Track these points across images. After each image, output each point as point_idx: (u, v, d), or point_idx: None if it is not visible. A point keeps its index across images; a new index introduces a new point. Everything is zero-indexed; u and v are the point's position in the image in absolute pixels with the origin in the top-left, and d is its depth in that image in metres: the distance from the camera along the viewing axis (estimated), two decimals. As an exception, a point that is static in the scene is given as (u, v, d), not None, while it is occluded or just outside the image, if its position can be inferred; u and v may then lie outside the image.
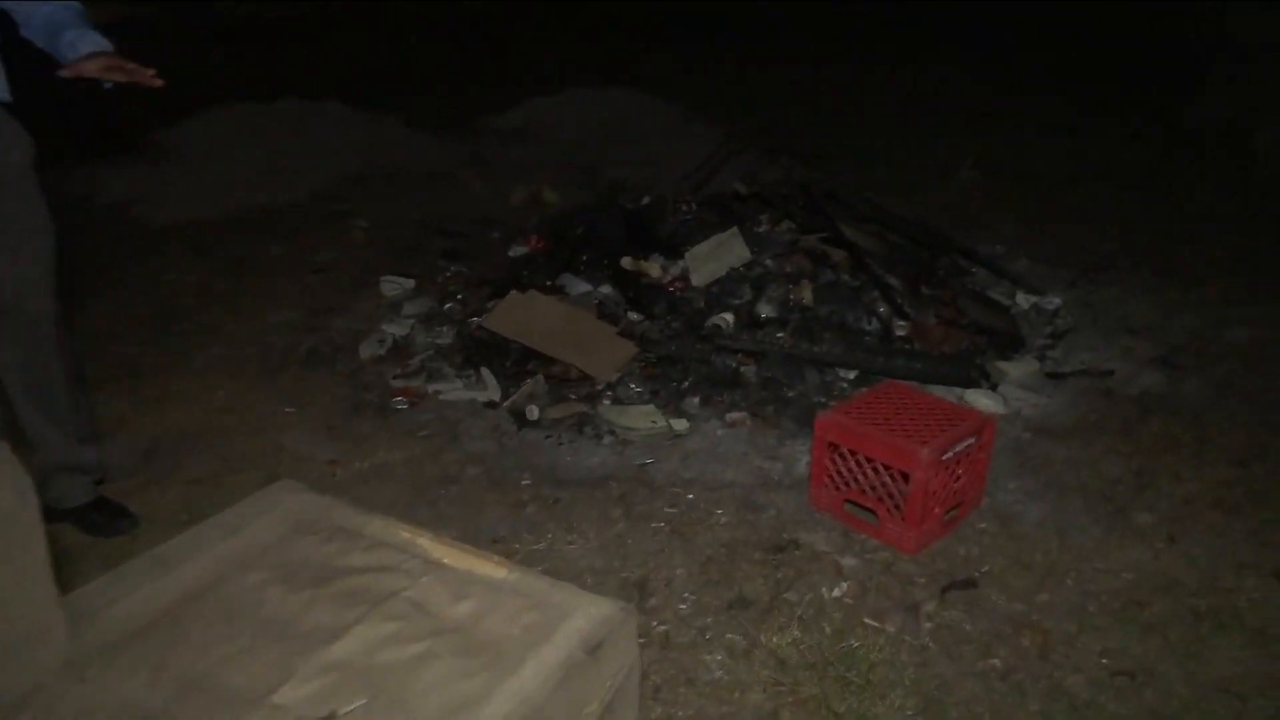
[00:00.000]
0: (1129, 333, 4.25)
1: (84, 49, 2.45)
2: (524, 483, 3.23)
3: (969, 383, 3.73)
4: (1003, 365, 3.91)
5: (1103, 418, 3.57)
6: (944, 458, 2.78)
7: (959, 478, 2.89)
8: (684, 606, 2.63)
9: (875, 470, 2.87)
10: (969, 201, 5.87)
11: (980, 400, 3.66)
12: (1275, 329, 4.26)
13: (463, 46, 11.39)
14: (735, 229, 4.24)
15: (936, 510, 2.84)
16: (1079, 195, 5.96)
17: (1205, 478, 3.22)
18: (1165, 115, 7.36)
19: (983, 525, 2.99)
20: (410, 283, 4.79)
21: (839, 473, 2.96)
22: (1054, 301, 4.48)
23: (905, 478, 2.79)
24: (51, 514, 2.57)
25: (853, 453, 2.90)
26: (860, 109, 7.86)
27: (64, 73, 2.45)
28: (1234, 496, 3.13)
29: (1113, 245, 5.21)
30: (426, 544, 1.81)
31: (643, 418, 3.49)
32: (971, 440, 2.88)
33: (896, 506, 2.84)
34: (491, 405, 3.70)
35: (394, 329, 4.33)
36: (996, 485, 3.17)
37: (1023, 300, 4.50)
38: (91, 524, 2.96)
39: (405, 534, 1.85)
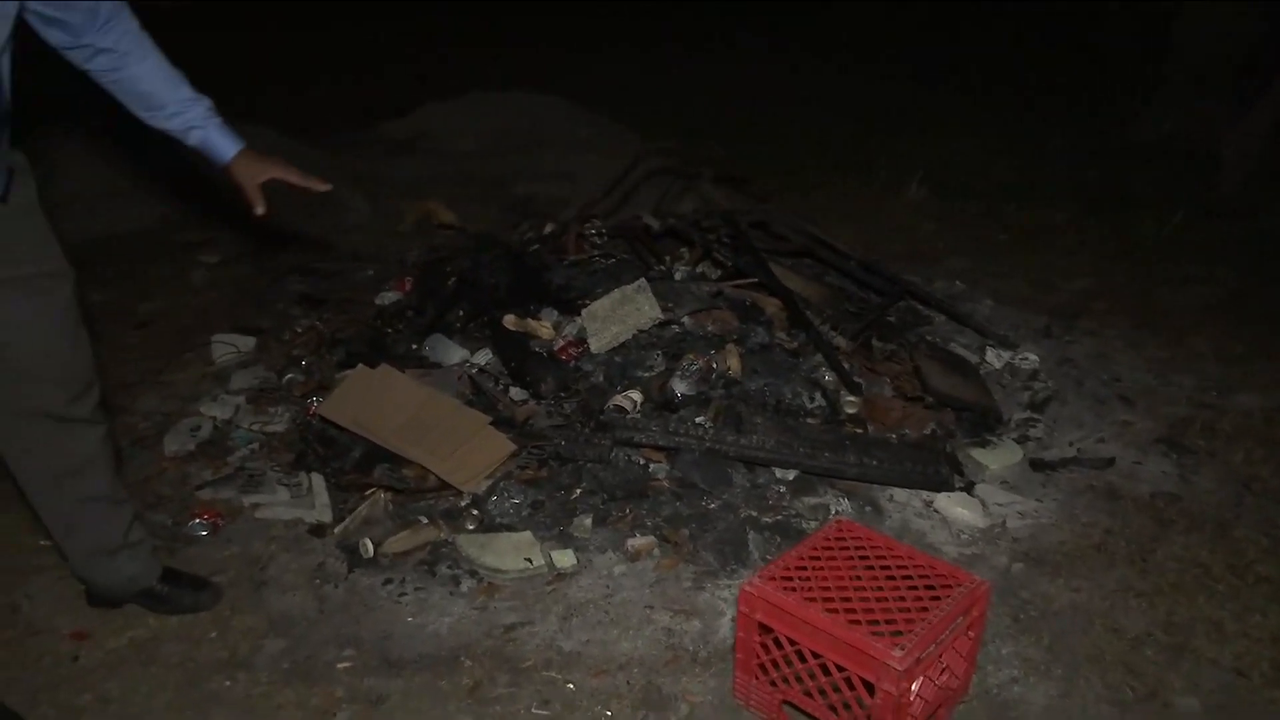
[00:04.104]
0: (1123, 402, 3.39)
1: (228, 149, 2.13)
2: (342, 666, 2.24)
3: (940, 484, 2.83)
4: (978, 454, 3.02)
5: (1110, 536, 2.69)
6: (922, 657, 1.86)
7: (943, 671, 1.97)
8: None
9: (825, 669, 1.94)
10: (918, 227, 4.99)
11: (955, 509, 2.76)
12: (1287, 393, 3.44)
13: (349, 43, 10.09)
14: (642, 280, 3.28)
15: (913, 726, 1.92)
16: (1038, 218, 5.11)
17: (1254, 631, 2.35)
18: (1115, 126, 6.54)
19: (973, 727, 2.08)
20: (250, 342, 3.75)
21: (773, 663, 2.02)
22: (1030, 359, 3.60)
23: (868, 684, 1.87)
24: (117, 601, 2.38)
25: (792, 642, 1.97)
26: (794, 115, 6.92)
27: (259, 210, 2.17)
28: (1296, 661, 2.27)
29: (1084, 282, 4.36)
30: None
31: (514, 554, 2.52)
32: (959, 622, 1.97)
33: (857, 723, 1.91)
34: (318, 531, 2.70)
35: (214, 410, 3.30)
36: (986, 651, 2.27)
37: (994, 358, 3.62)
38: (167, 600, 2.38)
39: None
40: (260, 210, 2.18)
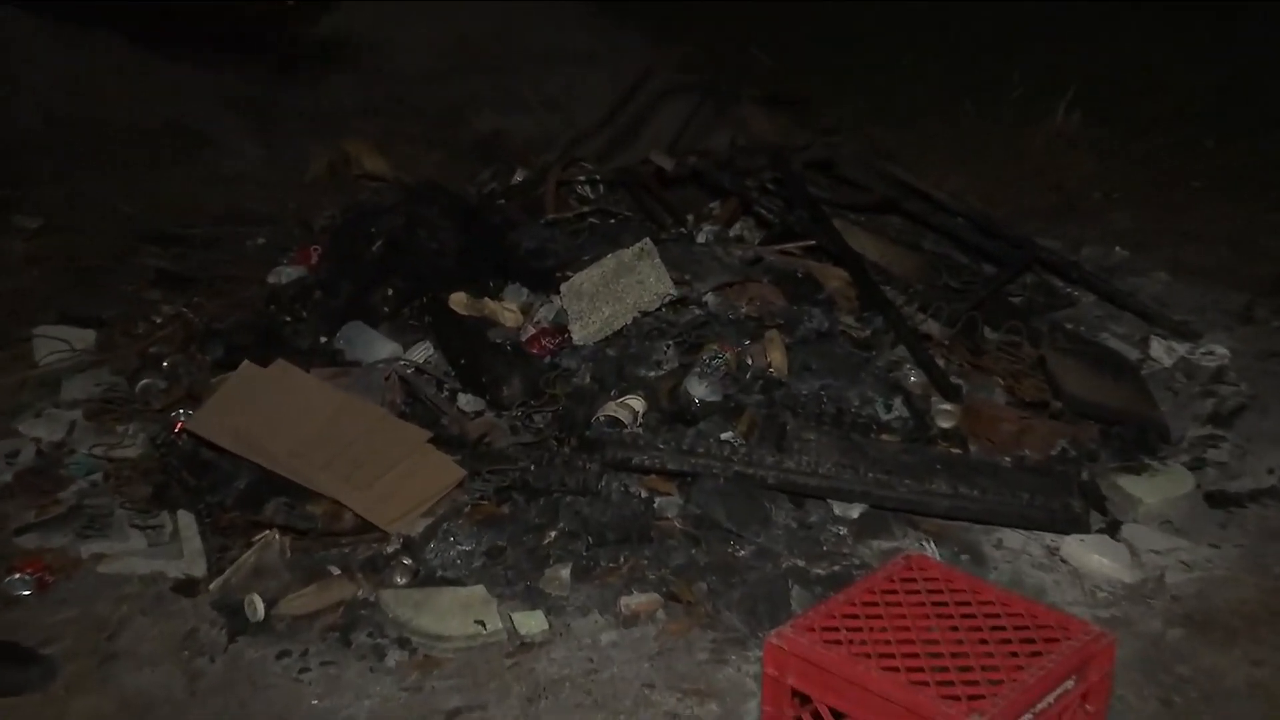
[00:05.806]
0: (1351, 413, 3.63)
1: None
2: (218, 772, 2.52)
3: (1070, 524, 3.07)
4: (1130, 484, 3.26)
5: (1310, 594, 2.92)
6: (1016, 729, 2.09)
7: (1047, 758, 2.20)
8: None
9: (883, 751, 2.18)
10: (1067, 170, 5.25)
11: (1091, 558, 3.01)
12: None
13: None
14: (646, 242, 3.55)
15: (1004, 830, 2.15)
16: (1237, 158, 5.35)
17: None
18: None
19: (1096, 843, 2.31)
20: (88, 336, 4.09)
21: (814, 748, 2.27)
22: (1216, 353, 3.87)
23: (941, 770, 2.10)
24: None
25: (837, 716, 2.21)
26: (879, 14, 7.21)
27: None
28: None
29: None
30: None
31: (460, 616, 2.79)
32: (1068, 686, 2.20)
33: (925, 825, 2.15)
34: (188, 587, 2.98)
35: (39, 430, 3.63)
36: (1121, 743, 2.50)
37: (1162, 351, 3.87)
38: None
39: None
40: None
